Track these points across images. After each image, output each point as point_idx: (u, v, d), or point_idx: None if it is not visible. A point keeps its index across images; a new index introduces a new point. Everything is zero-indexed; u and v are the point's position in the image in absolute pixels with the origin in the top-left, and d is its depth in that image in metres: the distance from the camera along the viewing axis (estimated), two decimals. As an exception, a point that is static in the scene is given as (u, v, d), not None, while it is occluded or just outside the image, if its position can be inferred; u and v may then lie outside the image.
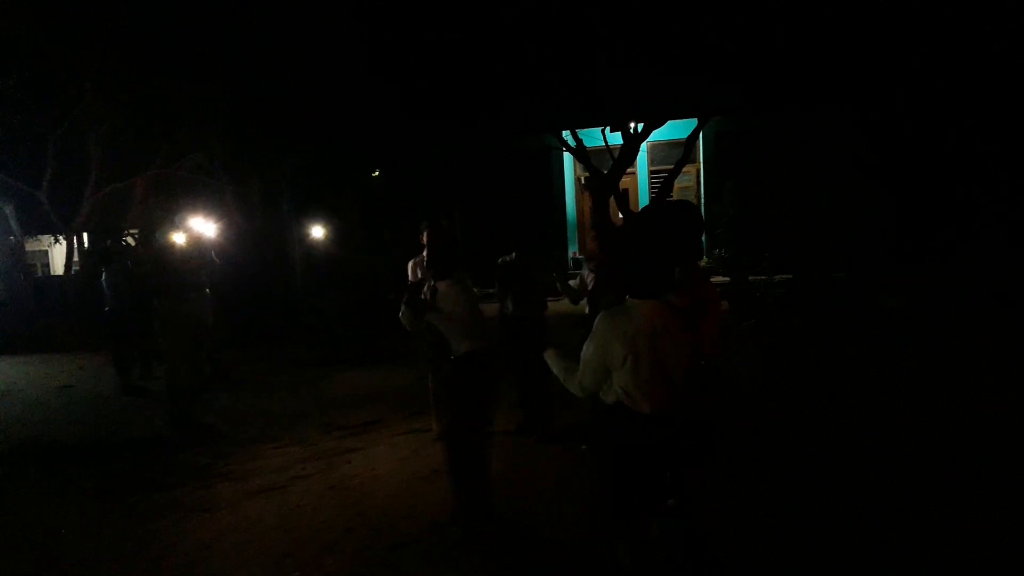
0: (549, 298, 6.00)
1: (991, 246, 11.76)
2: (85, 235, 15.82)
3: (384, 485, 5.10)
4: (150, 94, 12.56)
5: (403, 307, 4.27)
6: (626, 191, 14.71)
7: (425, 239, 5.98)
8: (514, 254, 5.93)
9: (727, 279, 12.24)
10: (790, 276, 12.40)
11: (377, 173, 17.75)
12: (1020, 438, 5.25)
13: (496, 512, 4.26)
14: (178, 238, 6.72)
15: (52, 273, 22.29)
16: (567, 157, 16.77)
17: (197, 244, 6.92)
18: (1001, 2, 11.03)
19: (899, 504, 4.24)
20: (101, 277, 8.77)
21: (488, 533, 4.14)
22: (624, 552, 3.04)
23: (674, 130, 14.57)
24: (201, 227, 7.12)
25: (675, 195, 14.39)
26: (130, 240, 14.18)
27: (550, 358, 3.25)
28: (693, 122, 13.46)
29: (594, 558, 3.63)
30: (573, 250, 17.52)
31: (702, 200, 16.29)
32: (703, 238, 11.24)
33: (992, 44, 11.40)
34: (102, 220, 14.34)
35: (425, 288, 4.32)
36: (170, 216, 7.25)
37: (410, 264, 6.14)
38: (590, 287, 5.36)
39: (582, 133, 13.70)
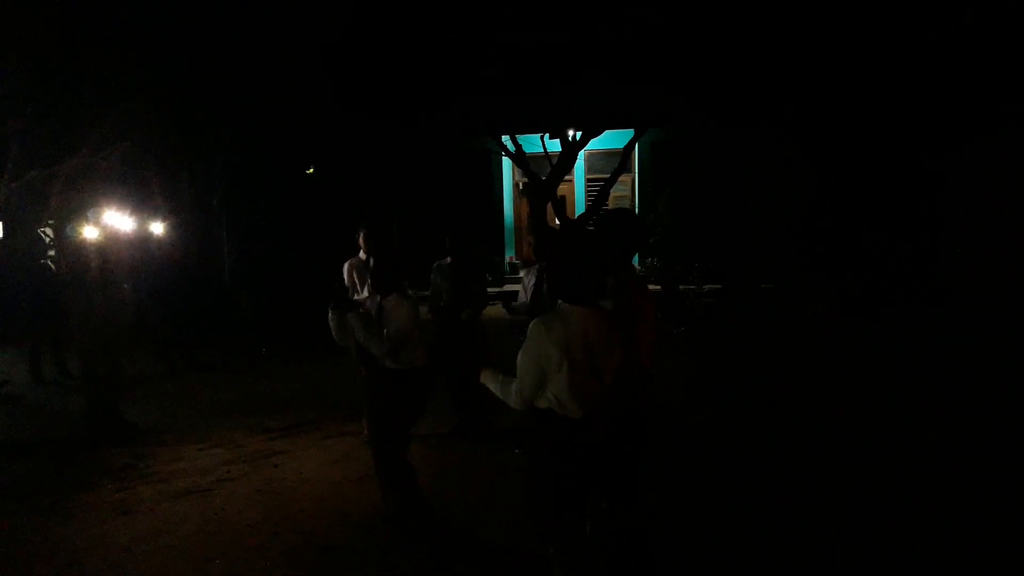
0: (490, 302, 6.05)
1: (917, 255, 12.43)
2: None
3: (313, 488, 5.03)
4: (76, 73, 11.95)
5: (330, 312, 4.16)
6: (563, 198, 14.84)
7: (362, 241, 5.94)
8: (449, 258, 5.95)
9: (658, 287, 12.50)
10: (719, 286, 12.77)
11: (312, 171, 17.43)
12: (932, 439, 5.55)
13: (430, 514, 4.26)
14: (90, 231, 6.51)
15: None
16: (506, 161, 16.84)
17: (113, 238, 6.71)
18: (932, 15, 11.49)
19: (866, 504, 4.44)
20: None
21: (421, 535, 4.13)
22: (557, 554, 3.10)
23: (611, 140, 14.78)
24: (117, 221, 6.91)
25: (611, 204, 14.60)
26: (47, 232, 13.54)
27: (486, 378, 3.22)
28: (630, 132, 13.70)
29: (528, 559, 3.68)
30: (510, 255, 17.58)
31: (636, 210, 16.59)
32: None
33: (922, 57, 11.91)
34: (19, 209, 13.62)
35: (369, 303, 4.24)
36: (84, 209, 7.02)
37: (346, 265, 6.09)
38: (530, 292, 5.41)
39: (521, 139, 13.80)
